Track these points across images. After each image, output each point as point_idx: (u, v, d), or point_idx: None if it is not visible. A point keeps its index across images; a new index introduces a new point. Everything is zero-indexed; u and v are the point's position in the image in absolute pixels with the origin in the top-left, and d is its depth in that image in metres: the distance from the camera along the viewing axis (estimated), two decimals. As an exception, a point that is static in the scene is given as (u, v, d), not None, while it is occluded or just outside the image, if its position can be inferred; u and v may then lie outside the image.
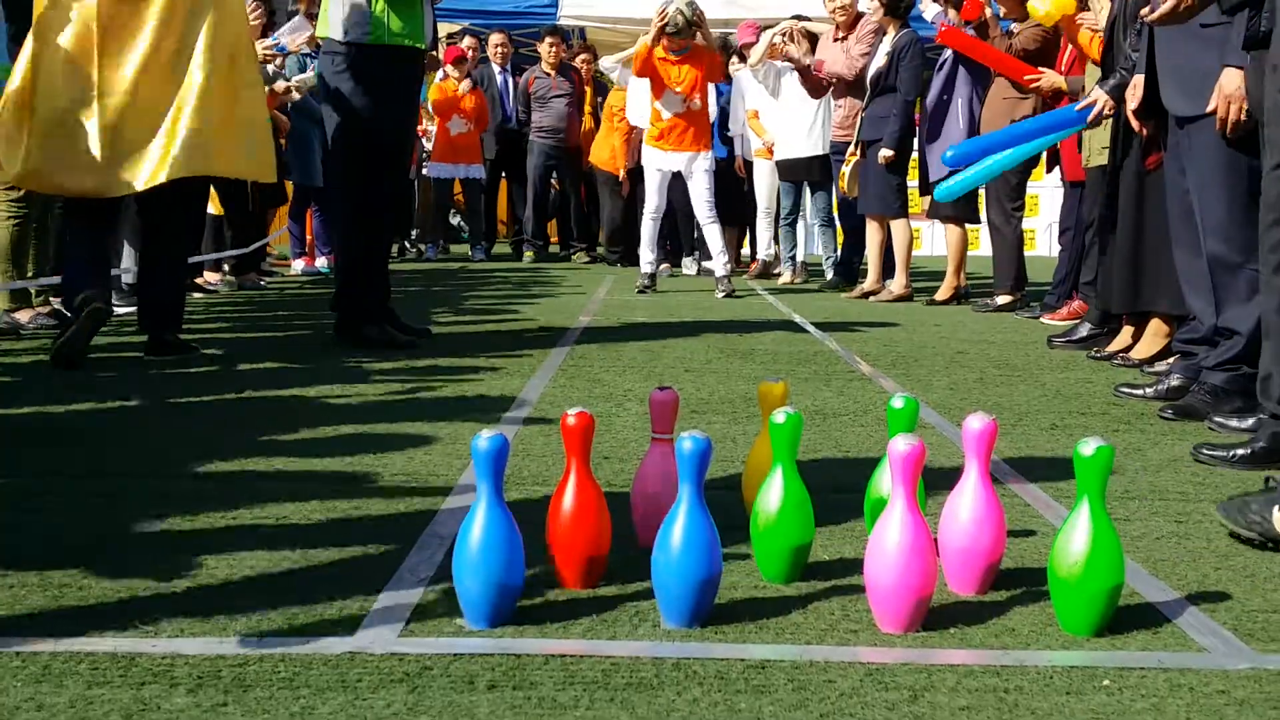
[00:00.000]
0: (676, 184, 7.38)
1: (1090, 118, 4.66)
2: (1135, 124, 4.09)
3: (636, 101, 8.91)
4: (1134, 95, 3.97)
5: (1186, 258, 3.74)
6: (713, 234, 7.19)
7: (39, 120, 4.06)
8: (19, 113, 4.05)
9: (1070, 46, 5.86)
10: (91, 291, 4.06)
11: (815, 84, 7.64)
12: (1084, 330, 5.01)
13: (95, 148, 4.05)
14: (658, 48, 6.80)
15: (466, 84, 9.87)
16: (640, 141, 8.55)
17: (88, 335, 4.09)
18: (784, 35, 8.10)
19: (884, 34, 7.22)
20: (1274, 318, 2.81)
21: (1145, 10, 3.34)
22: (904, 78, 6.91)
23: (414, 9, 4.49)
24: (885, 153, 6.90)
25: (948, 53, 6.67)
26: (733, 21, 9.28)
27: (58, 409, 3.42)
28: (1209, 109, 3.30)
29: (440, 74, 10.07)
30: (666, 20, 6.69)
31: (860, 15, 7.53)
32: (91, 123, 4.06)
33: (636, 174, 9.00)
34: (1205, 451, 2.92)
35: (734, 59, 9.11)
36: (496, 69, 10.44)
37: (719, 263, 7.18)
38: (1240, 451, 2.86)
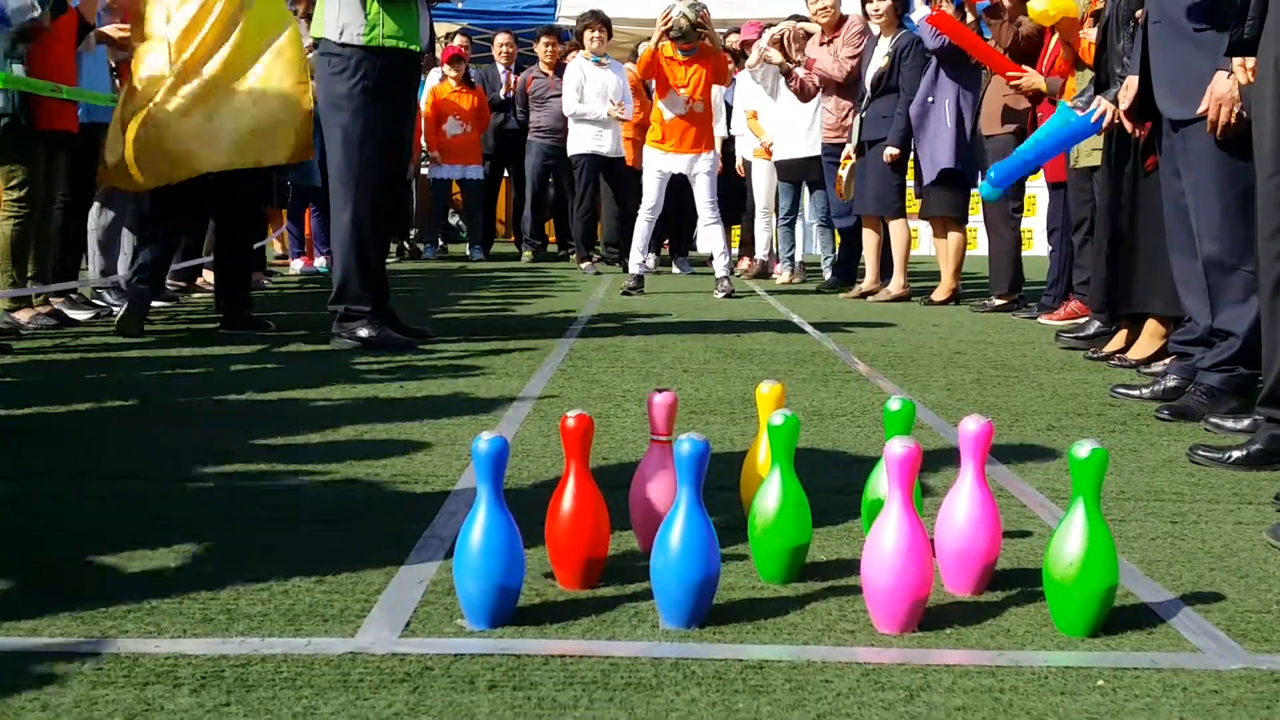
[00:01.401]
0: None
1: (1105, 125, 4.67)
2: (1129, 126, 4.11)
3: (571, 90, 8.93)
4: (1126, 97, 3.99)
5: (1182, 259, 3.75)
6: (715, 235, 7.20)
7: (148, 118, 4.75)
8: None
9: (1055, 47, 5.86)
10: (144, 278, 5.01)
11: (801, 88, 7.66)
12: (1093, 327, 5.03)
13: (194, 130, 4.76)
14: (665, 46, 6.80)
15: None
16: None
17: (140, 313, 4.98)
18: (781, 36, 8.12)
19: (869, 34, 7.25)
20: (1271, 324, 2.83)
21: (1141, 12, 3.36)
22: (906, 78, 6.92)
23: (409, 11, 4.49)
24: (891, 150, 6.91)
25: (930, 44, 6.71)
26: (732, 22, 9.30)
27: (57, 409, 3.43)
28: (1200, 110, 3.32)
29: (438, 75, 10.05)
30: (670, 24, 6.69)
31: (843, 18, 7.54)
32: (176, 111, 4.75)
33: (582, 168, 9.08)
34: (1201, 453, 2.93)
35: (731, 60, 9.13)
36: (501, 69, 10.45)
37: (720, 263, 7.19)
38: (1236, 454, 2.88)
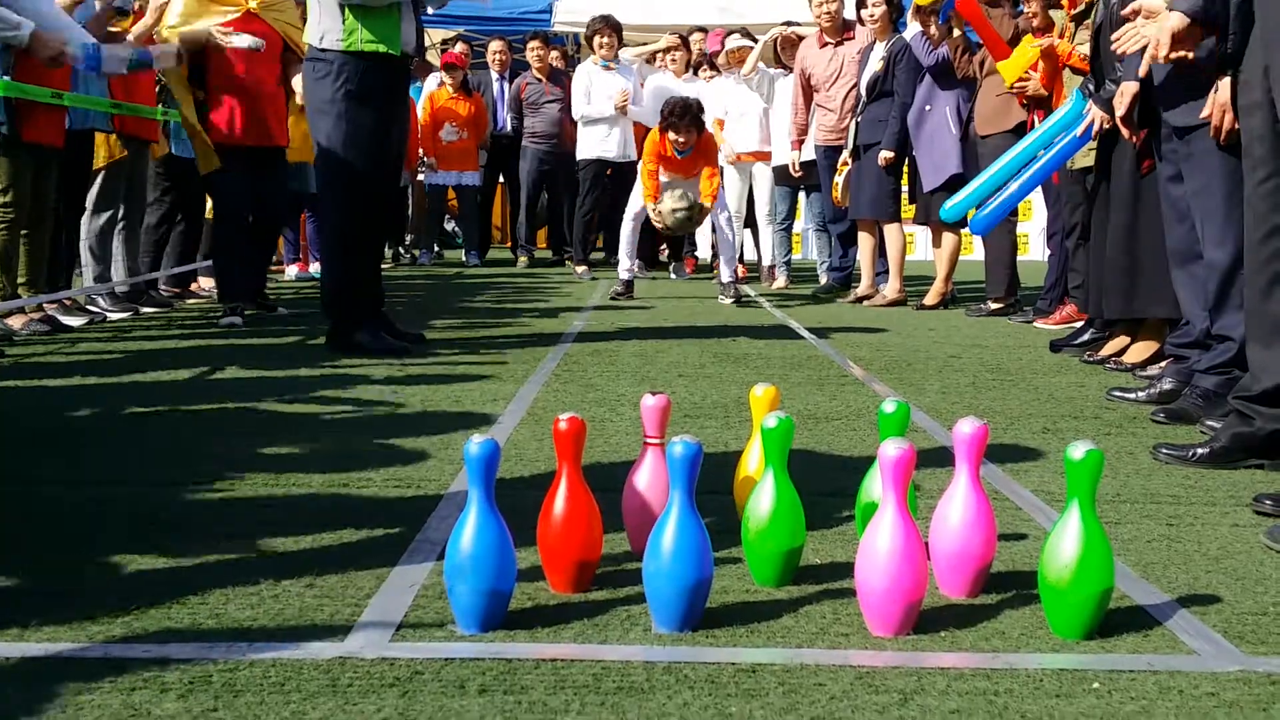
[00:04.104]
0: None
1: (1095, 133, 4.66)
2: (1125, 132, 4.10)
3: (580, 94, 8.91)
4: (1121, 103, 3.99)
5: (1179, 263, 3.76)
6: (724, 239, 7.21)
7: None
8: None
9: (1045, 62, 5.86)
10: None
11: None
12: (1087, 334, 5.02)
13: None
14: (665, 146, 6.84)
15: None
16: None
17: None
18: (776, 42, 8.12)
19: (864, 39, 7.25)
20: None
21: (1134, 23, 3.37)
22: (901, 81, 6.92)
23: (389, 16, 4.48)
24: (885, 154, 6.91)
25: (925, 62, 6.72)
26: (725, 28, 9.28)
27: (51, 415, 3.42)
28: (1203, 115, 3.31)
29: (436, 81, 10.03)
30: (666, 222, 6.81)
31: (846, 22, 7.50)
32: None
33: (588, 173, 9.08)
34: (1165, 451, 2.94)
35: (705, 67, 9.11)
36: (495, 76, 10.43)
37: (726, 271, 7.19)
38: (1200, 450, 2.89)
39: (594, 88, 8.89)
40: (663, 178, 6.92)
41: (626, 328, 5.65)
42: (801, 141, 7.76)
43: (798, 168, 7.81)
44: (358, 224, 4.60)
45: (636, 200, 7.14)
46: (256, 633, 1.70)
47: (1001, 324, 6.19)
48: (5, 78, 4.81)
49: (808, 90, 7.63)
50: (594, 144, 9.02)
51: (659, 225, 6.87)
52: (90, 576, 1.96)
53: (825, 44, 7.51)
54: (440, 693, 1.52)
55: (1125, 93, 3.98)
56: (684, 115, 6.71)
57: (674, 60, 9.16)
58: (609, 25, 8.91)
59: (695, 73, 9.18)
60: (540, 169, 9.96)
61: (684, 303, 7.13)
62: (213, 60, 5.59)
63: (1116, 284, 4.45)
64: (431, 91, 9.93)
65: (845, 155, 7.26)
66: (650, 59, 9.43)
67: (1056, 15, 5.80)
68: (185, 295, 7.05)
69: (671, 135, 6.76)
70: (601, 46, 8.85)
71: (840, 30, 7.45)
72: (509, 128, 10.32)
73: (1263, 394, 2.82)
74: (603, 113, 8.86)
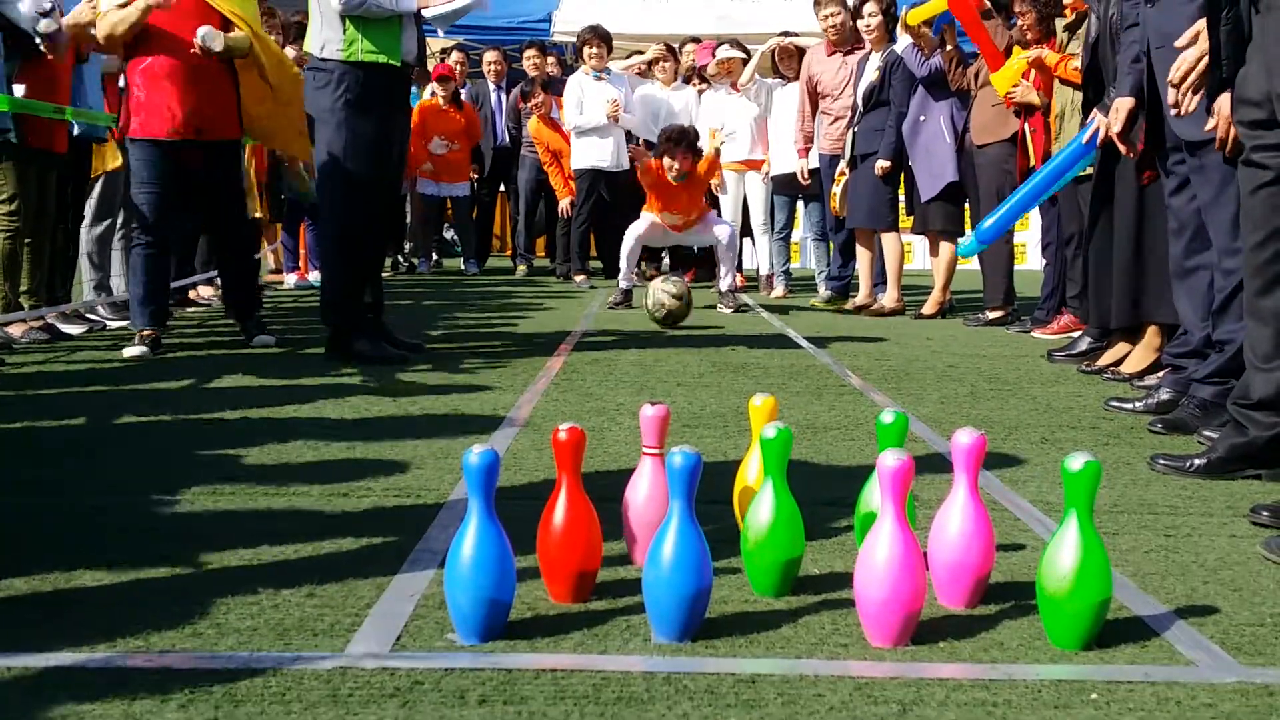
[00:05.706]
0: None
1: (1100, 142, 4.67)
2: (1122, 148, 4.11)
3: (571, 105, 8.92)
4: (1117, 119, 4.00)
5: (1180, 274, 3.77)
6: (725, 247, 7.23)
7: None
8: None
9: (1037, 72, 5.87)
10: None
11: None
12: (1084, 344, 5.03)
13: None
14: (661, 172, 6.90)
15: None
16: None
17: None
18: (774, 52, 8.13)
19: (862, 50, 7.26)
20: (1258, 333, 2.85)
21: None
22: (896, 91, 6.94)
23: (390, 27, 4.50)
24: (882, 163, 6.93)
25: (918, 72, 6.75)
26: (724, 37, 9.29)
27: (50, 424, 3.42)
28: (1207, 128, 3.33)
29: (429, 90, 10.01)
30: (657, 309, 6.37)
31: (855, 33, 7.50)
32: None
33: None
34: (1162, 462, 2.95)
35: (695, 78, 9.13)
36: (491, 86, 10.42)
37: (725, 281, 7.20)
38: (1198, 461, 2.90)
39: (586, 98, 8.91)
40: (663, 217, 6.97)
41: (625, 337, 5.66)
42: (808, 149, 7.77)
43: (806, 175, 7.83)
44: (358, 232, 4.62)
45: (642, 222, 7.14)
46: (257, 642, 1.71)
47: (999, 333, 6.20)
48: (9, 92, 4.83)
49: (813, 98, 7.63)
50: (588, 154, 9.03)
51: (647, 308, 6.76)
52: (90, 586, 1.96)
53: (834, 52, 7.51)
54: (440, 703, 1.52)
55: (1120, 109, 3.99)
56: (680, 141, 6.78)
57: (662, 70, 9.18)
58: (597, 35, 8.92)
59: (687, 82, 9.19)
60: (538, 178, 9.96)
61: (682, 312, 7.13)
62: (135, 41, 4.76)
63: (1123, 290, 4.46)
64: (421, 101, 9.89)
65: (843, 165, 7.28)
66: (640, 70, 9.44)
67: (1061, 23, 5.81)
68: (184, 304, 7.05)
69: (666, 161, 6.80)
70: (591, 57, 8.87)
71: (849, 40, 7.45)
72: (507, 139, 10.32)
73: (1259, 400, 2.83)
74: (595, 122, 8.87)
